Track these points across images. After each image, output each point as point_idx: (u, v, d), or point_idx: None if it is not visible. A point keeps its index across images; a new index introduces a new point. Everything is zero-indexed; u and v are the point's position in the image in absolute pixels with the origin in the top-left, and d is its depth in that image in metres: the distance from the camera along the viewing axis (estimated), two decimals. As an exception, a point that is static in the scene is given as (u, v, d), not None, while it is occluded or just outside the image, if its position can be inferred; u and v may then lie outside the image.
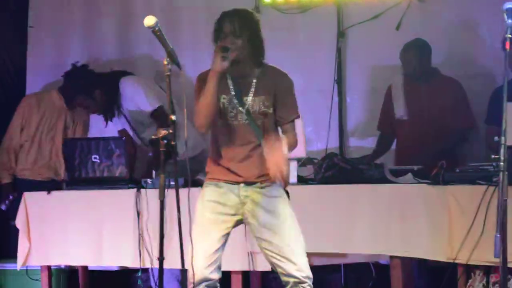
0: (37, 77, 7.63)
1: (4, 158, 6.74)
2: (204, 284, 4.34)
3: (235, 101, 4.36)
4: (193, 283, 4.34)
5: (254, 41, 4.34)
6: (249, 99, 4.36)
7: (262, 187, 4.39)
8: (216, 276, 4.38)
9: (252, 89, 4.37)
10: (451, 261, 5.06)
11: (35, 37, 7.71)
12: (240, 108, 4.36)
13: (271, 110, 4.40)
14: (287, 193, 4.46)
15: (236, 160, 4.38)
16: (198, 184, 5.45)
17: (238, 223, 4.48)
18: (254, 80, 4.38)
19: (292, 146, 4.40)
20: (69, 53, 7.60)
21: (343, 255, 5.52)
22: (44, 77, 7.61)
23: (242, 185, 4.40)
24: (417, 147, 6.28)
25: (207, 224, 4.38)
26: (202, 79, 4.38)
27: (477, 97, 6.50)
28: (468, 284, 5.12)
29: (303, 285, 4.30)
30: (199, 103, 4.32)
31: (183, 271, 4.37)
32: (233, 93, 4.37)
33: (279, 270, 4.34)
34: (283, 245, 4.32)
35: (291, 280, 4.31)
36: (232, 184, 4.40)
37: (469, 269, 5.12)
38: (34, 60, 7.69)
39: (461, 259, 5.02)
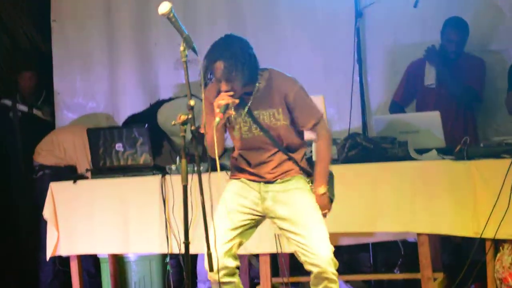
0: (63, 67, 7.76)
1: None
2: (222, 272, 4.34)
3: (246, 117, 4.37)
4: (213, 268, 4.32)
5: (247, 73, 4.26)
6: (260, 113, 4.37)
7: (283, 182, 4.42)
8: (232, 264, 4.39)
9: (260, 103, 4.36)
10: (478, 236, 5.04)
11: (58, 30, 7.79)
12: (252, 122, 4.37)
13: (286, 121, 4.38)
14: (331, 175, 4.50)
15: (256, 165, 4.42)
16: (222, 168, 5.49)
17: (260, 219, 4.49)
18: (260, 93, 4.36)
19: (327, 146, 4.42)
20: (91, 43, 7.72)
21: (371, 234, 5.53)
22: (70, 65, 7.73)
23: (262, 183, 4.43)
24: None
25: (223, 214, 4.41)
26: (207, 97, 4.36)
27: (493, 71, 6.52)
28: (497, 258, 5.10)
29: (325, 274, 4.29)
30: (206, 137, 4.30)
31: (210, 255, 4.39)
32: (242, 109, 4.36)
33: (302, 259, 4.35)
34: (303, 235, 4.32)
35: (314, 269, 4.31)
36: (254, 182, 4.44)
37: (497, 244, 5.11)
38: (59, 52, 7.78)
39: (488, 234, 5.01)
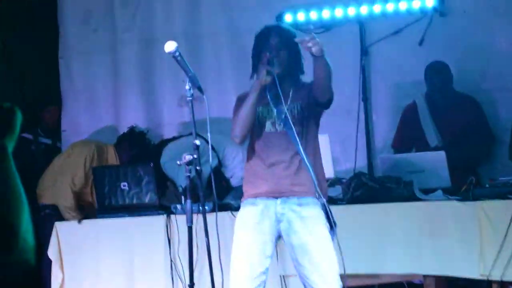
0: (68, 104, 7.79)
1: None
2: None
3: (273, 109, 4.40)
4: None
5: (295, 55, 4.43)
6: (287, 106, 4.39)
7: (299, 204, 4.37)
8: None
9: (289, 98, 4.42)
10: (485, 278, 5.00)
11: (65, 67, 7.84)
12: (278, 116, 4.40)
13: (308, 111, 4.44)
14: (334, 223, 4.42)
15: (272, 164, 4.38)
16: (227, 208, 5.47)
17: (278, 239, 4.46)
18: (291, 91, 4.44)
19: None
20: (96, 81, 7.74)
21: (376, 276, 5.48)
22: (75, 102, 7.77)
23: (279, 201, 4.38)
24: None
25: (247, 246, 4.37)
26: (242, 98, 4.45)
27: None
28: (503, 300, 5.07)
29: None
30: (238, 114, 4.38)
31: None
32: (270, 102, 4.39)
33: None
34: (313, 269, 4.30)
35: None
36: (269, 199, 4.38)
37: (503, 285, 5.07)
38: (65, 89, 7.83)
39: (495, 276, 4.97)
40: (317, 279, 4.29)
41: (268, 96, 4.40)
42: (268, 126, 4.43)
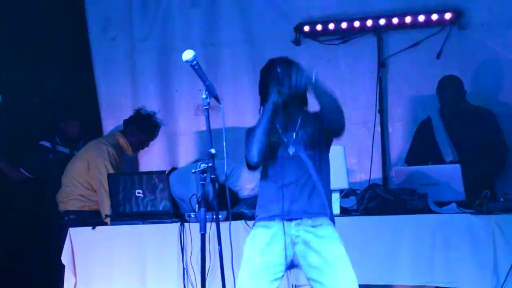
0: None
1: None
2: None
3: (284, 135, 4.40)
4: None
5: (302, 83, 4.37)
6: (298, 132, 4.40)
7: (313, 226, 4.36)
8: None
9: (298, 124, 4.42)
10: (498, 291, 5.00)
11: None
12: (288, 141, 4.40)
13: (318, 137, 4.43)
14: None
15: (287, 188, 4.35)
16: (241, 217, 5.48)
17: (290, 266, 4.43)
18: (299, 118, 4.43)
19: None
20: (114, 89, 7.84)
21: (389, 287, 5.48)
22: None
23: (293, 223, 4.37)
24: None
25: (256, 269, 4.34)
26: (252, 129, 4.43)
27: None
28: (516, 315, 5.05)
29: None
30: (252, 136, 4.35)
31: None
32: (280, 130, 4.41)
33: None
34: (333, 286, 4.27)
35: None
36: (284, 221, 4.36)
37: (517, 300, 5.06)
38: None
39: (508, 290, 4.97)
40: None
41: (277, 125, 4.42)
42: (280, 151, 4.41)
